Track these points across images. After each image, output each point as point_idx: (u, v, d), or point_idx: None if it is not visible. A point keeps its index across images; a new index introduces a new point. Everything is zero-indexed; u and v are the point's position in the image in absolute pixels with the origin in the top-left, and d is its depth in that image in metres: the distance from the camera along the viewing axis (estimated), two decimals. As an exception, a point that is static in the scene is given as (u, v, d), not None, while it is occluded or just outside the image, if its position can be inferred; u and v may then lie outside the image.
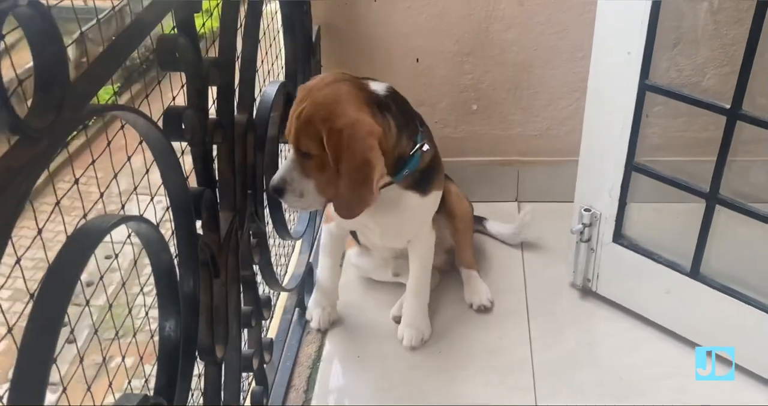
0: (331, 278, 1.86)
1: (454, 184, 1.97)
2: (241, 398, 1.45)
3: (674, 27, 1.91)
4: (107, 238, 0.79)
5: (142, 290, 1.06)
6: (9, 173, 0.61)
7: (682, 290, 1.70)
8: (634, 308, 1.85)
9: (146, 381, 1.10)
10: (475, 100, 2.11)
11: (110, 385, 0.95)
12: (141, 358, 1.07)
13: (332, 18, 2.00)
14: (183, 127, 0.99)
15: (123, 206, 0.94)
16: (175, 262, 1.03)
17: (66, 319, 0.72)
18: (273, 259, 1.60)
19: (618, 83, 1.59)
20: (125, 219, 0.79)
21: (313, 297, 1.89)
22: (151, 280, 1.00)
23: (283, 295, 1.90)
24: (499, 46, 2.02)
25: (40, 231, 0.74)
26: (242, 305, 1.39)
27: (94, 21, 0.92)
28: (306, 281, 1.91)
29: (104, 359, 0.94)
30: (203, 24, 1.15)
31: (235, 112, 1.26)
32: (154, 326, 1.06)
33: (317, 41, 1.92)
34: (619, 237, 1.79)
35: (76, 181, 0.86)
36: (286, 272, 1.94)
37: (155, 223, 0.94)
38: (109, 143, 0.89)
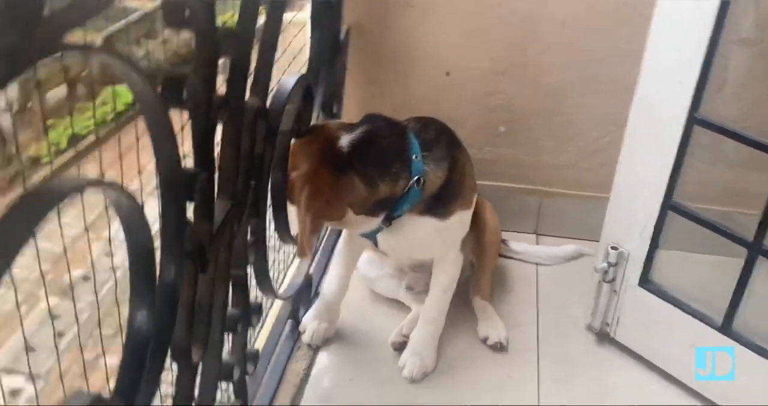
0: (337, 291, 1.74)
1: (489, 203, 1.87)
2: (216, 411, 1.32)
3: (721, 68, 1.80)
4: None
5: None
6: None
7: (709, 345, 1.56)
8: (654, 360, 1.70)
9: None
10: (504, 122, 2.00)
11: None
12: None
13: (364, 19, 1.90)
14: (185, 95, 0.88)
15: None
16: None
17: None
18: (270, 264, 1.48)
19: (664, 115, 1.47)
20: (91, 183, 0.67)
21: (313, 309, 1.76)
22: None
23: (276, 306, 1.77)
24: (535, 68, 1.91)
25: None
26: (229, 307, 1.27)
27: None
28: (303, 293, 1.78)
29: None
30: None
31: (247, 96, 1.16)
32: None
33: (345, 41, 1.82)
34: (645, 281, 1.65)
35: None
36: (283, 280, 1.82)
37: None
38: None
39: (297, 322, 1.78)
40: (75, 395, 0.72)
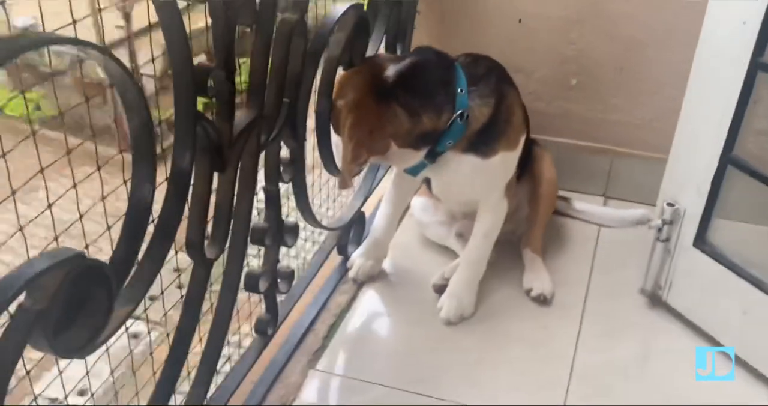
0: (385, 229, 1.78)
1: (549, 154, 1.84)
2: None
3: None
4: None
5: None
6: None
7: (762, 312, 1.46)
8: (705, 328, 1.61)
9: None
10: (576, 75, 1.94)
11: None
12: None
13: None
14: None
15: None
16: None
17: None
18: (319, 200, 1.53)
19: (726, 59, 1.38)
20: (72, 41, 0.72)
21: (362, 247, 1.81)
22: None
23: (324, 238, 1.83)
24: (611, 17, 1.84)
25: None
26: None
27: None
28: (355, 230, 1.82)
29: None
30: None
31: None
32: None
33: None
34: (701, 242, 1.57)
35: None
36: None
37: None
38: None
39: (346, 257, 1.83)
40: (54, 252, 0.76)
